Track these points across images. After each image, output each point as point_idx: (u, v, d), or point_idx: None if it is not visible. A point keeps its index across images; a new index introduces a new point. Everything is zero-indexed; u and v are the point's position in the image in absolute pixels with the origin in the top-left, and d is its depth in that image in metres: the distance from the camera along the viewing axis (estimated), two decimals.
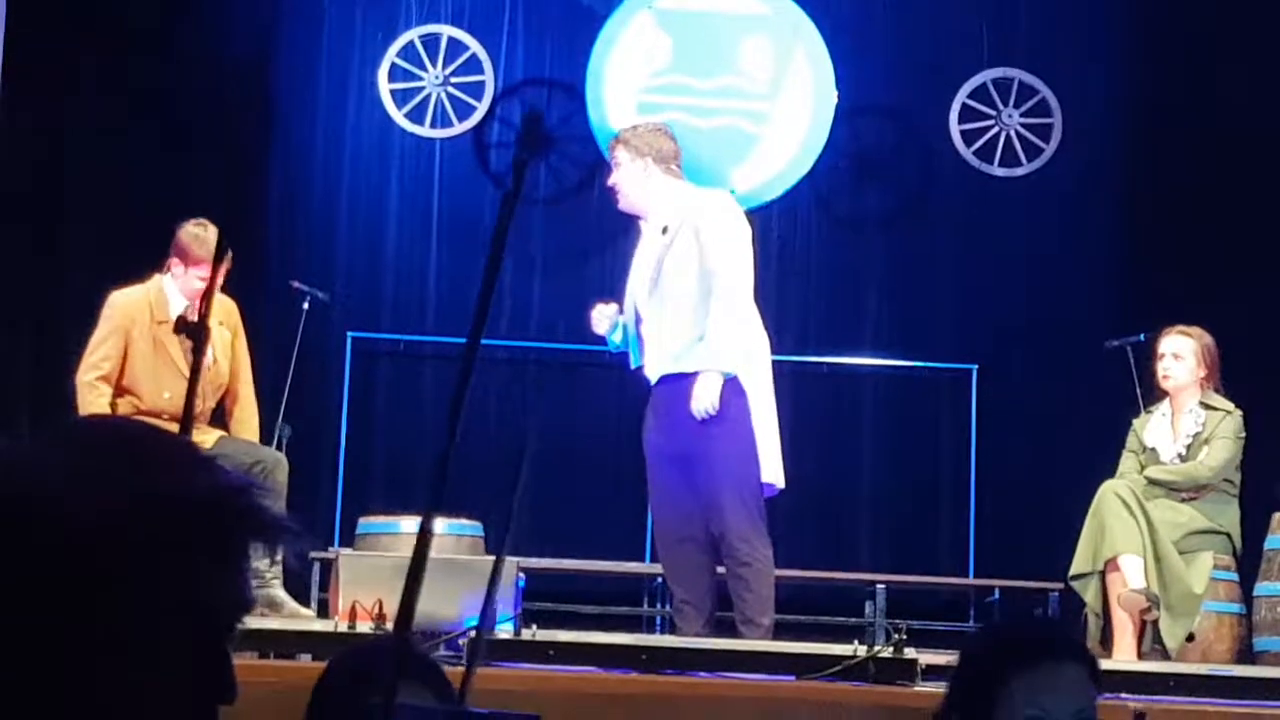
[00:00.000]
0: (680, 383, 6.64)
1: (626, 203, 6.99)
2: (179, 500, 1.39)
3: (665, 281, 6.75)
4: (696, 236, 6.72)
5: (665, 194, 6.86)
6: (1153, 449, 7.49)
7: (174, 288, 7.12)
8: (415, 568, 1.49)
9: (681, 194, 6.90)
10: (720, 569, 6.73)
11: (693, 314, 6.68)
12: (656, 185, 6.87)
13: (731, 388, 6.60)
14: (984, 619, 9.60)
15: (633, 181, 6.91)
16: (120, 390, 7.03)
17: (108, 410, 6.76)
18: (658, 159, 6.89)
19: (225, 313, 7.20)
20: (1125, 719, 6.92)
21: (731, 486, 6.60)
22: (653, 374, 6.82)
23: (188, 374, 6.79)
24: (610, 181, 7.04)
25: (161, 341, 7.01)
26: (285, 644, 5.85)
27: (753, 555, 6.56)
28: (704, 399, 6.52)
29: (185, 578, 1.39)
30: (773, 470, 6.72)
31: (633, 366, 6.97)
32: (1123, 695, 5.00)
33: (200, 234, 7.11)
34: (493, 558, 6.68)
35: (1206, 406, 7.45)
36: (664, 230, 6.80)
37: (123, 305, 7.09)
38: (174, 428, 6.78)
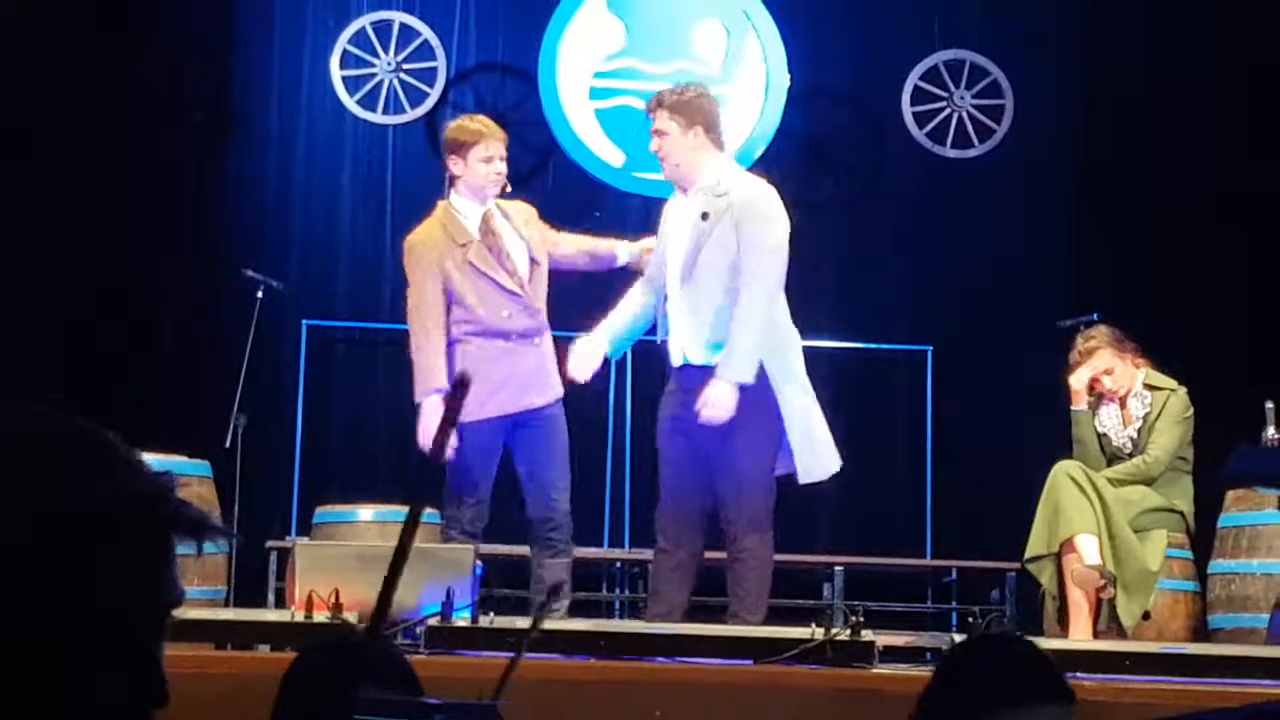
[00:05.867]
0: (706, 375, 6.50)
1: (675, 173, 6.69)
2: (80, 514, 1.36)
3: (701, 271, 6.53)
4: (736, 229, 6.50)
5: (712, 167, 6.62)
6: (1104, 435, 7.52)
7: (461, 198, 6.86)
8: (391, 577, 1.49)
9: (727, 172, 6.70)
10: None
11: (726, 307, 6.52)
12: (704, 157, 6.62)
13: (756, 383, 6.48)
14: (941, 600, 9.64)
15: (683, 151, 6.61)
16: (460, 319, 6.76)
17: (442, 351, 6.68)
18: (707, 128, 6.64)
19: (525, 219, 6.99)
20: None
21: (750, 483, 6.53)
22: (676, 358, 6.66)
23: (517, 288, 6.74)
24: (656, 149, 6.69)
25: (471, 263, 6.76)
26: (242, 634, 5.83)
27: (759, 548, 6.55)
28: (714, 408, 6.39)
29: (93, 588, 1.36)
30: (829, 455, 6.71)
31: (659, 340, 6.79)
32: (1079, 675, 5.01)
33: (462, 122, 7.00)
34: (453, 546, 6.67)
35: (1151, 387, 7.49)
36: (704, 216, 6.54)
37: (420, 246, 6.82)
38: (523, 349, 6.82)
